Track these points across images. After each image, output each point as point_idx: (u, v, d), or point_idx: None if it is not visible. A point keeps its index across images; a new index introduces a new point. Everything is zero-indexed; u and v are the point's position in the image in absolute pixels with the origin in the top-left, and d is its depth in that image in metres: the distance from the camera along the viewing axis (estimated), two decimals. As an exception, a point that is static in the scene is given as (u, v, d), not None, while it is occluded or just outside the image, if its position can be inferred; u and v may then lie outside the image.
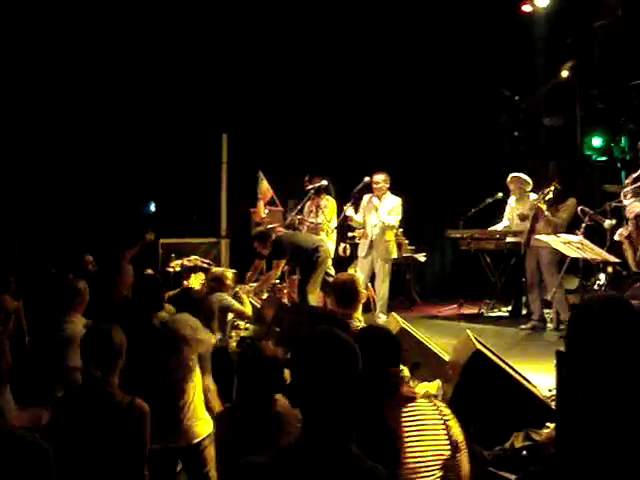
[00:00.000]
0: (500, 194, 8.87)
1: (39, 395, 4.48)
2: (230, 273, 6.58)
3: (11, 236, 9.56)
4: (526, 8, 9.76)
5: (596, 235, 7.62)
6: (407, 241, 9.99)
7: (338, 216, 8.75)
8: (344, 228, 8.96)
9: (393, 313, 6.01)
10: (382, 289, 8.50)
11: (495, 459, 3.83)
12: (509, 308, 8.94)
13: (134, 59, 10.19)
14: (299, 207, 8.88)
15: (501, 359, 4.46)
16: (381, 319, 7.87)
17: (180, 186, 10.93)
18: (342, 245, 8.97)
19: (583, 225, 7.31)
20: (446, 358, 4.82)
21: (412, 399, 2.71)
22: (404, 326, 5.10)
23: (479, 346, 4.31)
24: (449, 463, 2.61)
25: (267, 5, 10.42)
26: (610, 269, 7.67)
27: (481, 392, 4.10)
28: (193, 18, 10.26)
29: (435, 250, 10.26)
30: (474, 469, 2.80)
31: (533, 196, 8.37)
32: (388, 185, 8.54)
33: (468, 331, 4.72)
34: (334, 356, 1.99)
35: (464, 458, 2.66)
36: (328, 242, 8.38)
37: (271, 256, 7.76)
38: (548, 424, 3.99)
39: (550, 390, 4.52)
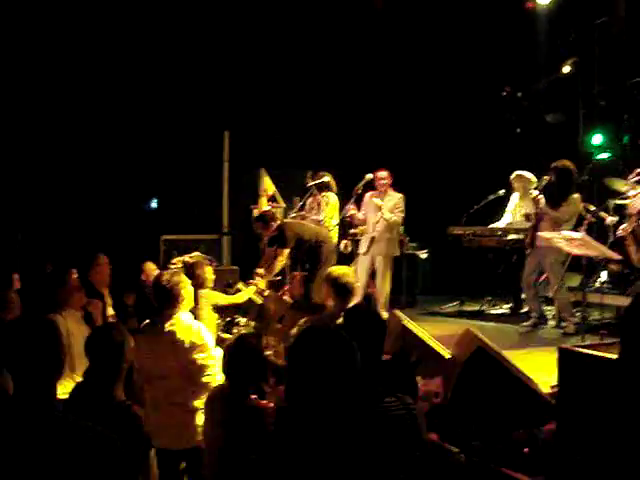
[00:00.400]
0: (502, 191, 8.88)
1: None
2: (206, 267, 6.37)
3: (13, 232, 9.56)
4: (530, 4, 9.70)
5: (598, 232, 7.62)
6: (408, 238, 9.99)
7: (340, 213, 8.74)
8: (345, 225, 8.97)
9: (395, 310, 6.01)
10: (384, 286, 8.51)
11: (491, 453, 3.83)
12: (510, 305, 8.94)
13: (136, 57, 10.17)
14: (300, 204, 8.89)
15: (502, 356, 4.46)
16: (383, 316, 7.86)
17: (182, 183, 10.93)
18: (343, 242, 8.97)
19: (586, 222, 7.30)
20: (447, 355, 4.82)
21: None
22: (406, 323, 5.10)
23: (481, 343, 4.31)
24: None
25: (268, 2, 10.41)
26: (614, 267, 7.64)
27: (483, 389, 4.10)
28: (195, 16, 10.25)
29: (437, 247, 10.24)
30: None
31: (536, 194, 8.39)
32: (390, 182, 8.56)
33: (470, 328, 4.72)
34: (331, 353, 1.99)
35: None
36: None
37: (273, 241, 7.64)
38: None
39: (552, 387, 4.52)
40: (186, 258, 8.56)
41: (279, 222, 7.50)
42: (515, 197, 8.66)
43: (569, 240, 6.35)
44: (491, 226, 8.81)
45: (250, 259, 8.19)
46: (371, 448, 2.13)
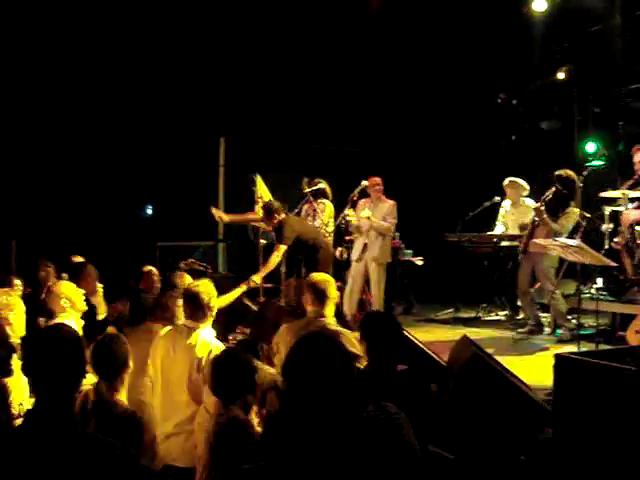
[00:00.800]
0: (497, 198, 8.88)
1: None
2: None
3: (8, 237, 9.53)
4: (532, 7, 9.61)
5: (594, 239, 7.62)
6: (404, 245, 9.99)
7: (335, 220, 8.74)
8: (341, 232, 8.96)
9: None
10: (378, 292, 8.52)
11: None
12: (506, 312, 8.95)
13: (132, 63, 10.17)
14: (296, 210, 8.88)
15: (498, 363, 4.45)
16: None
17: (178, 189, 10.92)
18: (339, 249, 8.96)
19: (581, 230, 7.31)
20: (443, 362, 4.82)
21: None
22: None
23: (476, 349, 4.31)
24: None
25: (263, 8, 10.42)
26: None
27: (478, 396, 4.09)
28: (191, 22, 10.25)
29: (432, 254, 10.24)
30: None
31: (529, 201, 8.40)
32: (382, 188, 8.58)
33: (466, 334, 4.72)
34: (327, 361, 1.98)
35: None
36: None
37: (276, 234, 7.55)
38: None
39: (547, 394, 4.52)
40: (181, 265, 8.55)
41: (283, 217, 7.44)
42: (507, 204, 8.65)
43: (565, 247, 6.36)
44: (487, 234, 8.81)
45: (246, 266, 8.17)
46: (354, 456, 2.12)
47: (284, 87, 10.70)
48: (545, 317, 8.13)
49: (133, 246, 9.77)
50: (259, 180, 9.33)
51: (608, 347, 5.96)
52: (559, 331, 7.62)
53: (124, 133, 10.46)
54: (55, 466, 2.08)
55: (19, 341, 4.08)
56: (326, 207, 8.77)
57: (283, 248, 7.32)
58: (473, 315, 9.02)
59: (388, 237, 8.68)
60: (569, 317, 7.49)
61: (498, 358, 4.63)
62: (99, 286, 6.39)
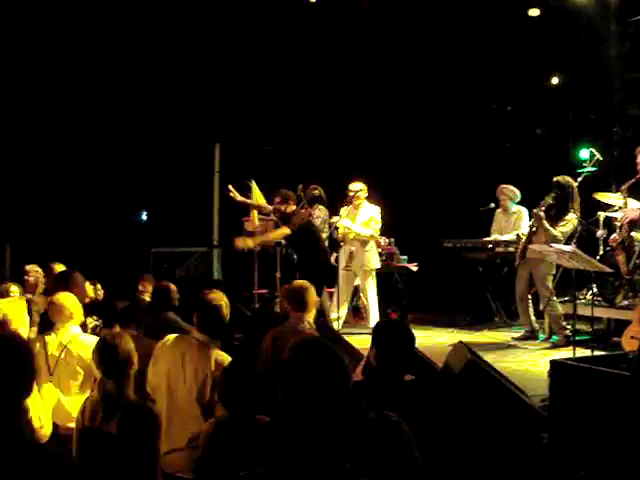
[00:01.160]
0: (492, 204, 8.89)
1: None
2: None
3: (2, 242, 9.51)
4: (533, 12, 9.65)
5: (588, 244, 7.63)
6: (399, 251, 9.97)
7: (329, 226, 8.73)
8: (335, 238, 8.94)
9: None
10: (371, 299, 8.51)
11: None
12: (502, 318, 8.95)
13: (128, 69, 10.19)
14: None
15: (494, 368, 4.45)
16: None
17: (173, 195, 10.91)
18: (334, 255, 8.94)
19: (576, 235, 7.31)
20: (438, 368, 4.81)
21: None
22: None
23: (473, 356, 4.30)
24: None
25: (259, 16, 10.44)
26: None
27: (474, 402, 4.08)
28: (187, 29, 10.27)
29: (427, 260, 10.23)
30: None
31: (523, 210, 8.43)
32: (366, 194, 8.56)
33: (461, 340, 4.72)
34: (323, 369, 1.97)
35: None
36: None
37: (282, 216, 7.64)
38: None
39: (543, 400, 4.52)
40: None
41: (295, 209, 7.51)
42: (498, 213, 8.71)
43: (560, 253, 6.36)
44: (482, 240, 8.83)
45: (240, 272, 8.16)
46: (352, 463, 2.11)
47: (279, 94, 10.71)
48: (540, 323, 8.13)
49: (127, 252, 9.76)
50: (254, 186, 9.32)
51: (603, 353, 5.95)
52: (554, 337, 7.62)
53: (119, 139, 10.46)
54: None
55: None
56: (321, 213, 8.78)
57: (286, 230, 7.41)
58: (469, 321, 9.00)
59: (372, 243, 8.63)
60: (564, 323, 7.49)
61: (493, 364, 4.63)
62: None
